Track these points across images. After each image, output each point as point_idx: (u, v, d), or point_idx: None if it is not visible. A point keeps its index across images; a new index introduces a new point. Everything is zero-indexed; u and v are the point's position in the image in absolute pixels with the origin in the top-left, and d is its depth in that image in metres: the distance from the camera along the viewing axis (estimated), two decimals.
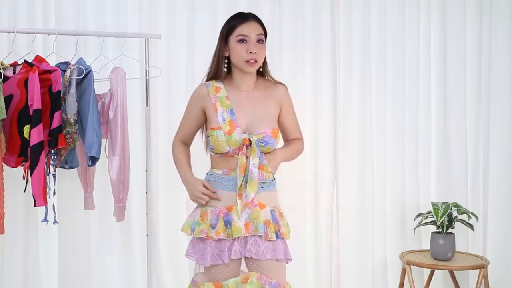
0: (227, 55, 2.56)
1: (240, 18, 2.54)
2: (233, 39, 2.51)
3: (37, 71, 2.84)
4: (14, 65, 2.94)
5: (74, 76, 2.95)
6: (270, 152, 2.55)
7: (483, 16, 3.75)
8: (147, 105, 3.33)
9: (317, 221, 3.70)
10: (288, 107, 2.66)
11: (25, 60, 2.94)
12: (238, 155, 2.48)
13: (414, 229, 3.64)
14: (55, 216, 3.06)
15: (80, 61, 3.01)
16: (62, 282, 3.36)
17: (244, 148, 2.47)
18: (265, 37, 2.60)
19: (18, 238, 3.26)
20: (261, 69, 2.62)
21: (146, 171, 3.34)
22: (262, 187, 2.52)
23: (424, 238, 3.77)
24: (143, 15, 3.42)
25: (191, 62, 3.50)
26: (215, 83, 2.58)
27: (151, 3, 3.42)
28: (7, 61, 2.96)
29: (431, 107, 3.79)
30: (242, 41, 2.50)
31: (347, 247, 3.75)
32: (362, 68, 3.71)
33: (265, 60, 2.63)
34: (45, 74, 2.90)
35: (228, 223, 2.47)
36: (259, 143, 2.49)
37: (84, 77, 2.97)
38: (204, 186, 2.53)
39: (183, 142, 2.67)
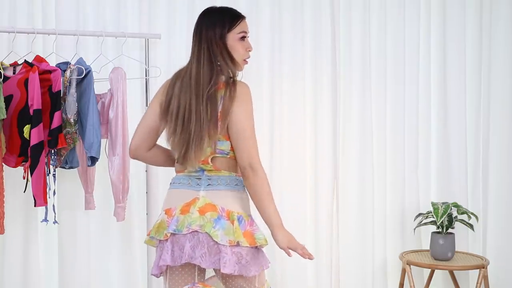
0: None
1: (238, 15, 2.41)
2: (232, 36, 2.37)
3: (37, 71, 2.83)
4: (14, 65, 2.93)
5: (74, 76, 2.94)
6: None
7: (483, 16, 3.75)
8: (147, 105, 3.32)
9: (317, 221, 3.68)
10: None
11: (25, 60, 2.93)
12: None
13: (414, 229, 3.63)
14: (55, 216, 3.05)
15: (80, 61, 3.00)
16: (62, 282, 3.35)
17: None
18: None
19: (18, 238, 3.23)
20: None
21: (146, 171, 3.34)
22: None
23: (424, 238, 3.77)
24: (143, 15, 3.39)
25: None
26: None
27: (151, 3, 3.40)
28: (7, 61, 2.95)
29: (431, 107, 3.78)
30: (243, 38, 2.39)
31: (347, 247, 3.74)
32: (362, 68, 3.70)
33: None
34: (45, 74, 2.89)
35: None
36: None
37: (84, 77, 2.96)
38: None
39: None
